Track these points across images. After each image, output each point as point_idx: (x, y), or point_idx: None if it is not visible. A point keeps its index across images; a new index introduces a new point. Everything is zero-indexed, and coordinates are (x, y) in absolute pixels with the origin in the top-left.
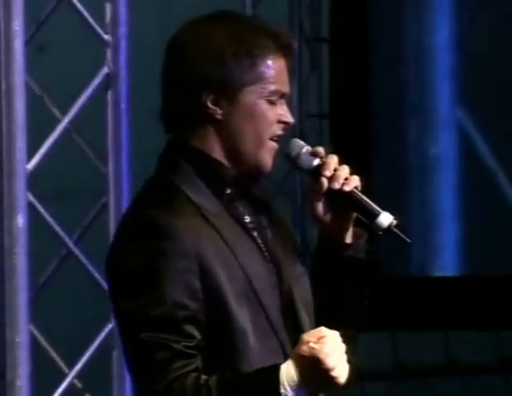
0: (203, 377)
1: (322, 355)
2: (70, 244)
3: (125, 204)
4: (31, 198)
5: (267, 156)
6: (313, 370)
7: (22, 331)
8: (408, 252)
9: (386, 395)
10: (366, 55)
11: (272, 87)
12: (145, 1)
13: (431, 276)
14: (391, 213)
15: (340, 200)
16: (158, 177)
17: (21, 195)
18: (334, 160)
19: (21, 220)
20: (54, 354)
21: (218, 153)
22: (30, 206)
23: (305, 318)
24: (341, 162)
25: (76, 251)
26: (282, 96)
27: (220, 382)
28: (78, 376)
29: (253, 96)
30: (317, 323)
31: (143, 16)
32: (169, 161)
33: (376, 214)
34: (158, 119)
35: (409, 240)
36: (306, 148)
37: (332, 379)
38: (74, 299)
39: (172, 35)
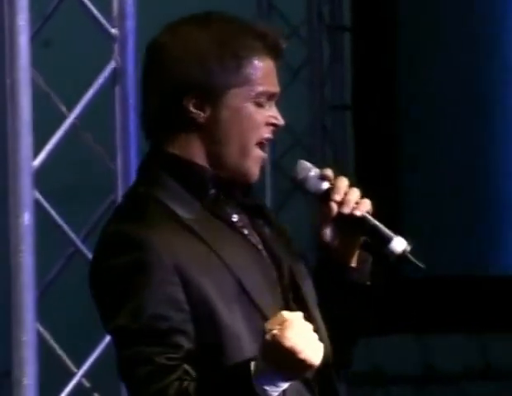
0: (185, 383)
1: (285, 341)
2: (78, 242)
3: None
4: (38, 195)
5: (253, 165)
6: (280, 356)
7: (29, 329)
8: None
9: None
10: (392, 43)
11: (260, 89)
12: None
13: (463, 275)
14: (406, 234)
15: (350, 225)
16: (135, 189)
17: (27, 192)
18: (343, 183)
19: (27, 218)
20: (61, 353)
21: (200, 160)
22: (37, 204)
23: (317, 312)
24: (351, 185)
25: (83, 249)
26: (271, 96)
27: (198, 385)
28: (86, 375)
29: (238, 99)
30: None
31: (150, 9)
32: (147, 171)
33: (389, 240)
34: (140, 125)
35: (423, 266)
36: (314, 171)
37: (302, 363)
38: (82, 297)
39: (150, 39)
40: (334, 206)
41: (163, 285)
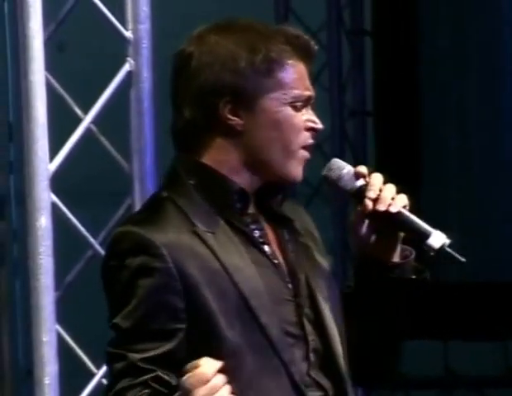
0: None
1: (187, 386)
2: (96, 245)
3: None
4: (55, 199)
5: (297, 166)
6: None
7: (49, 331)
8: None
9: None
10: (413, 47)
11: (294, 92)
12: None
13: (484, 282)
14: (444, 229)
15: (387, 221)
16: (158, 193)
17: (45, 195)
18: (378, 180)
19: (44, 221)
20: (81, 354)
21: (232, 170)
22: (55, 207)
23: (332, 327)
24: (386, 181)
25: (102, 251)
26: (306, 100)
27: None
28: (106, 376)
29: (274, 103)
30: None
31: (165, 12)
32: (174, 177)
33: (428, 235)
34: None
35: (463, 259)
36: (348, 169)
37: None
38: (101, 298)
39: (176, 51)
40: (369, 203)
41: (163, 291)
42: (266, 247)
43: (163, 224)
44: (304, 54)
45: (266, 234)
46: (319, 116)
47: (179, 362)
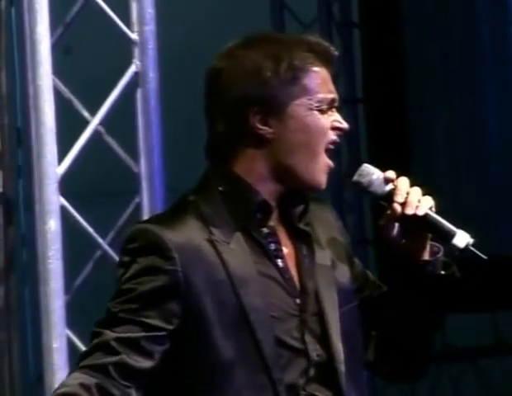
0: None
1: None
2: (105, 246)
3: (158, 203)
4: (63, 201)
5: (321, 173)
6: None
7: (59, 336)
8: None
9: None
10: (399, 37)
11: (319, 97)
12: None
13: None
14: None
15: (415, 223)
16: (185, 195)
17: (53, 198)
18: (405, 184)
19: (53, 224)
20: None
21: (260, 175)
22: (63, 209)
23: (338, 346)
24: (412, 185)
25: (111, 252)
26: (331, 103)
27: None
28: None
29: (302, 109)
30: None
31: (169, 13)
32: (203, 183)
33: (453, 235)
34: (204, 150)
35: (485, 257)
36: (377, 175)
37: None
38: None
39: (207, 67)
40: (398, 207)
41: (164, 294)
42: (279, 261)
43: (179, 227)
44: (325, 60)
45: (281, 248)
46: None
47: (150, 355)
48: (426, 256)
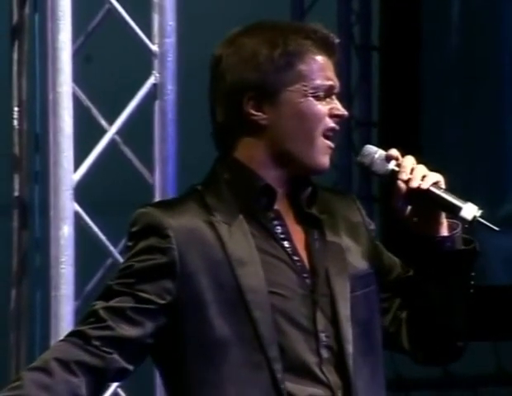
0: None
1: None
2: (116, 254)
3: None
4: (78, 208)
5: (320, 155)
6: None
7: None
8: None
9: None
10: (417, 62)
11: (315, 83)
12: (193, 11)
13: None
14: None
15: (423, 200)
16: (194, 185)
17: (68, 205)
18: (410, 161)
19: (67, 230)
20: None
21: (262, 164)
22: (77, 216)
23: (347, 328)
24: (418, 162)
25: (121, 260)
26: (329, 90)
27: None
28: (122, 386)
29: (296, 95)
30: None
31: (189, 26)
32: (210, 173)
33: (459, 208)
34: (211, 136)
35: (497, 228)
36: (379, 154)
37: None
38: None
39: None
40: (402, 185)
41: (159, 271)
42: (286, 243)
43: (179, 210)
44: (324, 47)
45: (288, 231)
46: None
47: (138, 324)
48: (444, 232)
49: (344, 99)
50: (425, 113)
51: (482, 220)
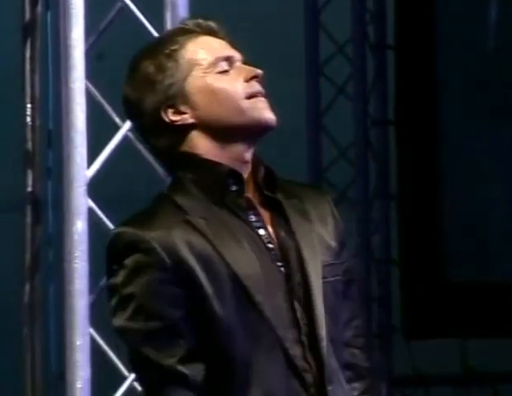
0: None
1: None
2: None
3: None
4: (91, 204)
5: (259, 111)
6: None
7: (83, 334)
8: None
9: None
10: (433, 60)
11: (207, 61)
12: (205, 9)
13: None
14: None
15: None
16: (160, 192)
17: (82, 200)
18: None
19: (80, 225)
20: (114, 357)
21: (212, 148)
22: (90, 212)
23: (321, 314)
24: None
25: None
26: (229, 60)
27: None
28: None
29: (198, 82)
30: None
31: None
32: (173, 177)
33: None
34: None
35: None
36: None
37: None
38: None
39: None
40: None
41: (159, 284)
42: (261, 231)
43: (154, 220)
44: (202, 30)
45: (262, 218)
46: (343, 125)
47: (186, 349)
48: None
49: (360, 98)
50: (442, 111)
51: None
